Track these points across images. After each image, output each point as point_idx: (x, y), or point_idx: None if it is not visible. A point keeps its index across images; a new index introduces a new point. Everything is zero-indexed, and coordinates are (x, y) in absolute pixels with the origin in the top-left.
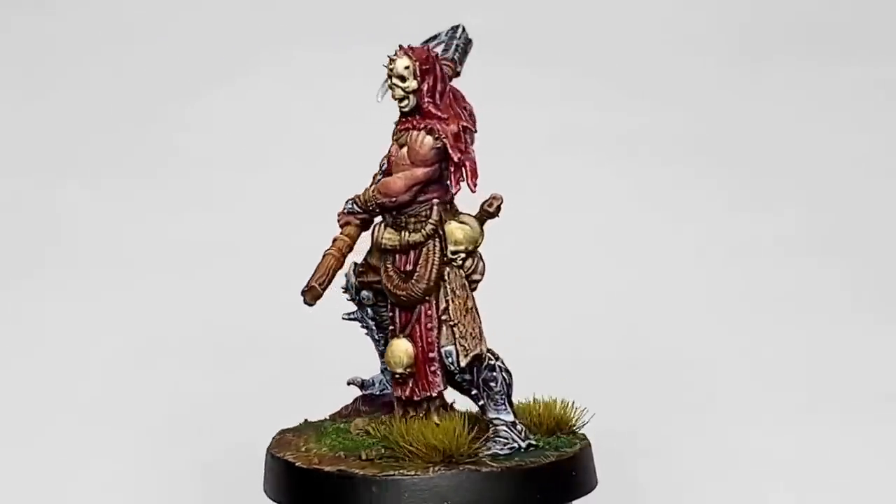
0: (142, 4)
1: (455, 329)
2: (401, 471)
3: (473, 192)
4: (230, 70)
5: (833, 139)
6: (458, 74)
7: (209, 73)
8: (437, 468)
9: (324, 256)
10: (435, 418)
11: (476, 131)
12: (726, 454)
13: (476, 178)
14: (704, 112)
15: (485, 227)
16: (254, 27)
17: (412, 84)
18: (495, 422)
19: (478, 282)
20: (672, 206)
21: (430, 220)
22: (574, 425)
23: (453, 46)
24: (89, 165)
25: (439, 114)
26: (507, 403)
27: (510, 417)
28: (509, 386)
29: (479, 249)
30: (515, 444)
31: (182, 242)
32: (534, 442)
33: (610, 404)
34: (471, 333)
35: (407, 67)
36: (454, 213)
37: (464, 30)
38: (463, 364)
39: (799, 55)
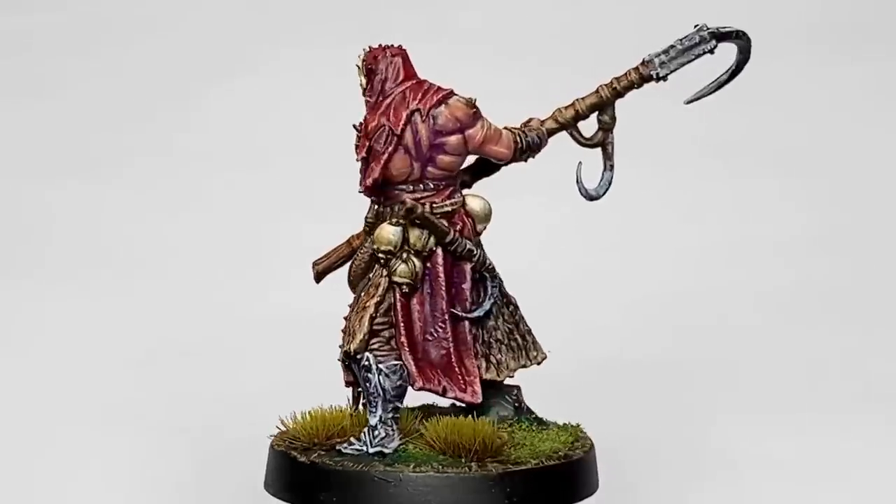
0: (140, 6)
1: (345, 321)
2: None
3: (359, 191)
4: (228, 70)
5: (838, 137)
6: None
7: (207, 73)
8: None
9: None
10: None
11: (397, 135)
12: (727, 455)
13: (367, 178)
14: (706, 112)
15: (413, 231)
16: (251, 27)
17: (362, 80)
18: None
19: (400, 285)
20: (673, 206)
21: (367, 217)
22: (508, 456)
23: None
24: (88, 165)
25: (367, 110)
26: (377, 407)
27: (373, 420)
28: (385, 391)
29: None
30: (363, 448)
31: (182, 242)
32: (385, 450)
33: (611, 404)
34: (349, 330)
35: (358, 66)
36: (397, 213)
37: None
38: (338, 357)
39: (804, 53)
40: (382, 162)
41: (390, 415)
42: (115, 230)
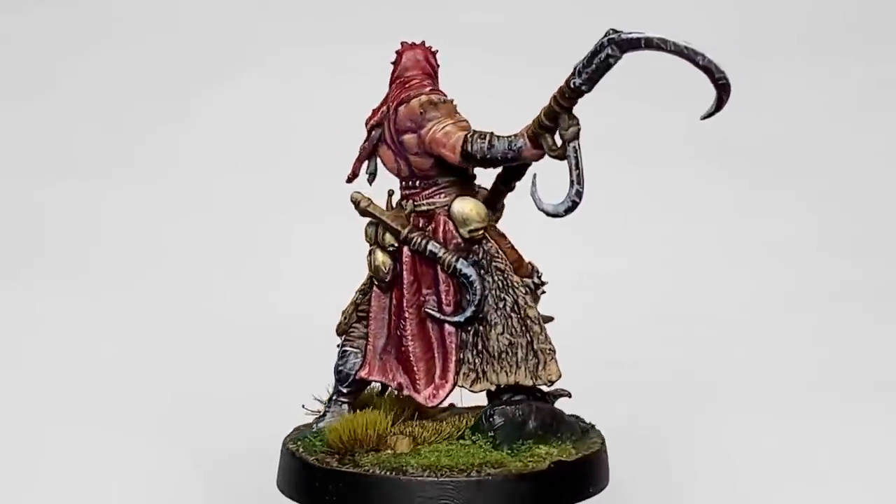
0: (136, 5)
1: None
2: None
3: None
4: (224, 69)
5: (840, 138)
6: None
7: (204, 72)
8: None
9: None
10: None
11: (367, 129)
12: (729, 452)
13: (352, 169)
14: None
15: (369, 226)
16: (249, 26)
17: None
18: None
19: (381, 281)
20: (677, 206)
21: None
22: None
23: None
24: (83, 164)
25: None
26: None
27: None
28: (335, 373)
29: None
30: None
31: (182, 242)
32: (314, 425)
33: (613, 404)
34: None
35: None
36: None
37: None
38: None
39: (804, 54)
40: (360, 154)
41: (333, 396)
42: (114, 229)
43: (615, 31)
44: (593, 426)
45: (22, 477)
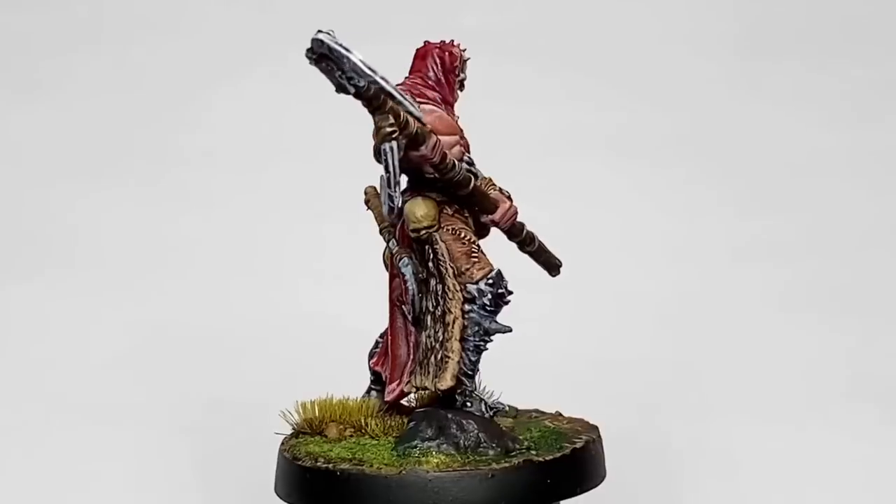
0: (143, 6)
1: None
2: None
3: None
4: (232, 71)
5: (834, 139)
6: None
7: (211, 74)
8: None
9: None
10: None
11: None
12: (727, 454)
13: None
14: (706, 113)
15: None
16: (255, 28)
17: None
18: None
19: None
20: (673, 207)
21: None
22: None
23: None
24: (90, 167)
25: None
26: None
27: None
28: None
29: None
30: None
31: (185, 243)
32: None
33: (610, 404)
34: None
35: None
36: None
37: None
38: None
39: (800, 55)
40: None
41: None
42: (117, 231)
43: (320, 31)
44: (528, 448)
45: (22, 476)
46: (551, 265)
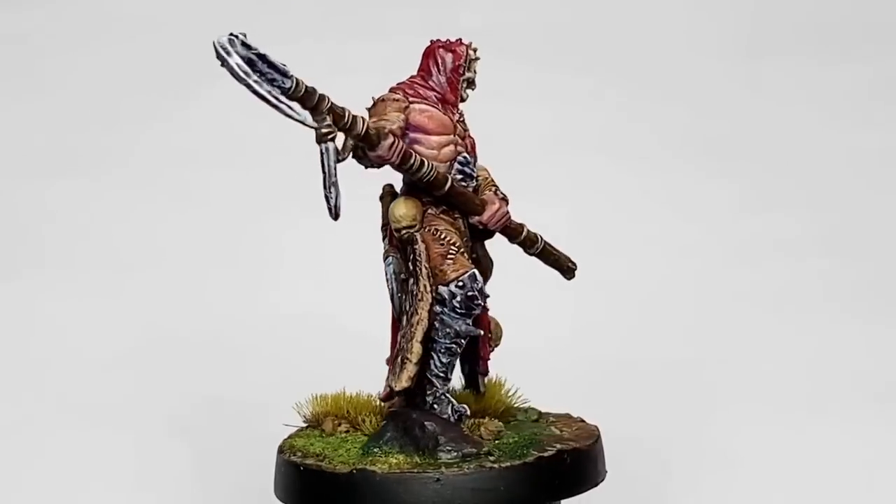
0: (132, 4)
1: None
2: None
3: None
4: (221, 68)
5: (836, 137)
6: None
7: (201, 71)
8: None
9: None
10: None
11: None
12: (728, 453)
13: None
14: (707, 112)
15: None
16: (246, 24)
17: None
18: None
19: None
20: (675, 205)
21: None
22: None
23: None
24: (81, 164)
25: None
26: None
27: None
28: None
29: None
30: None
31: (180, 241)
32: None
33: (612, 404)
34: None
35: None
36: None
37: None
38: None
39: (802, 53)
40: None
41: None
42: (112, 229)
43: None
44: (488, 453)
45: (22, 476)
46: (563, 268)
